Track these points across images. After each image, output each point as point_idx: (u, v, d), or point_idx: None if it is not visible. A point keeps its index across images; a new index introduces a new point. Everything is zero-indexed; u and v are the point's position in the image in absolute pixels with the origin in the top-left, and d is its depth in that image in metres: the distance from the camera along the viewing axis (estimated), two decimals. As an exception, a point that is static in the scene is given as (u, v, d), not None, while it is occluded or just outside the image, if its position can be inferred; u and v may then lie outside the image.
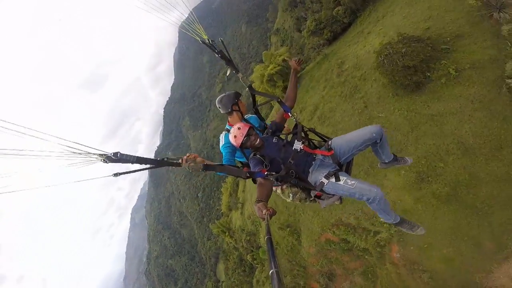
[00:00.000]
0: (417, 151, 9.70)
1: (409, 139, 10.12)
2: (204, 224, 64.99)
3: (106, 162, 1.65)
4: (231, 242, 26.96)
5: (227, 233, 27.13)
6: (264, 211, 1.66)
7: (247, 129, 2.49)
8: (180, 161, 2.04)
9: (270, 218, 1.58)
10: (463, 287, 8.04)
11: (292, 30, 36.43)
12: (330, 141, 2.56)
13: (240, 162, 2.88)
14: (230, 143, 2.63)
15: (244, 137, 2.47)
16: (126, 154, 1.69)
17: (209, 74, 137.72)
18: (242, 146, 2.52)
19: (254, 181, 2.36)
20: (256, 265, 21.69)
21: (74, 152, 1.49)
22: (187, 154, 2.07)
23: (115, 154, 1.65)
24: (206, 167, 2.13)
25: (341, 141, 2.50)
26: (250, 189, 24.85)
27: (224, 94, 2.83)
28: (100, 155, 1.59)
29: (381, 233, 10.42)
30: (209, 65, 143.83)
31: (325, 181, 2.31)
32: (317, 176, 2.39)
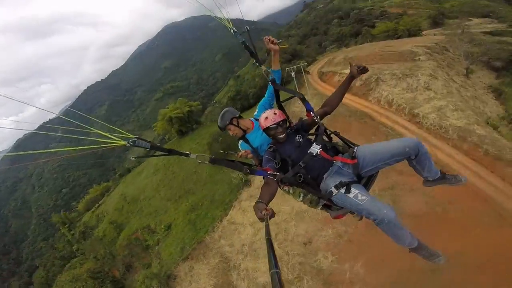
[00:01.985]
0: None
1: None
2: (48, 223, 58.32)
3: (130, 144, 1.88)
4: (66, 235, 28.66)
5: (66, 225, 29.00)
6: (263, 212, 1.67)
7: (282, 119, 2.48)
8: (188, 152, 2.18)
9: (270, 219, 1.61)
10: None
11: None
12: (355, 148, 2.35)
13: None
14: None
15: (274, 123, 2.44)
16: (143, 141, 1.95)
17: (157, 80, 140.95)
18: (267, 130, 2.50)
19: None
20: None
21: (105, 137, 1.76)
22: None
23: (133, 141, 1.89)
24: (213, 161, 2.21)
25: (366, 151, 2.30)
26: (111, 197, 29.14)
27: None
28: (128, 141, 1.88)
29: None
30: (163, 72, 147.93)
31: (334, 191, 2.17)
32: (329, 183, 2.25)
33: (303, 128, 2.62)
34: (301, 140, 2.50)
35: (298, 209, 10.75)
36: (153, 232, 18.34)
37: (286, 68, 23.60)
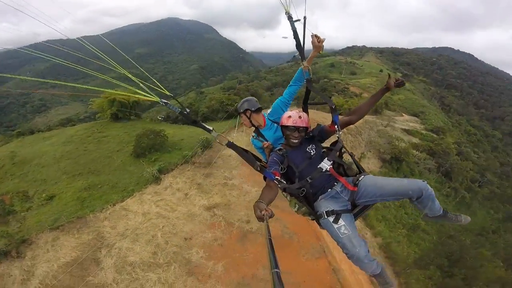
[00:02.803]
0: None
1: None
2: None
3: (163, 104, 2.22)
4: None
5: None
6: (262, 212, 1.74)
7: (304, 124, 2.53)
8: (211, 128, 2.42)
9: (269, 219, 1.67)
10: None
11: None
12: (361, 177, 2.41)
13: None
14: (259, 148, 2.98)
15: (294, 125, 2.50)
16: (174, 106, 2.30)
17: (121, 60, 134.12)
18: (284, 128, 2.59)
19: (265, 178, 2.39)
20: None
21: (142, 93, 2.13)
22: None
23: (165, 102, 2.23)
24: (230, 144, 2.46)
25: (371, 183, 2.34)
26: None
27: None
28: (161, 100, 2.21)
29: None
30: (133, 56, 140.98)
31: (324, 215, 2.30)
32: (322, 206, 2.36)
33: (320, 135, 2.61)
34: (312, 152, 2.52)
35: (192, 212, 12.02)
36: (28, 200, 16.46)
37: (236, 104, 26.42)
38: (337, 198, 2.42)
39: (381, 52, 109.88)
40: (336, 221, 2.27)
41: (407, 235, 16.66)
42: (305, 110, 2.80)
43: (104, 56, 2.18)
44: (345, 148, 2.63)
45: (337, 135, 2.56)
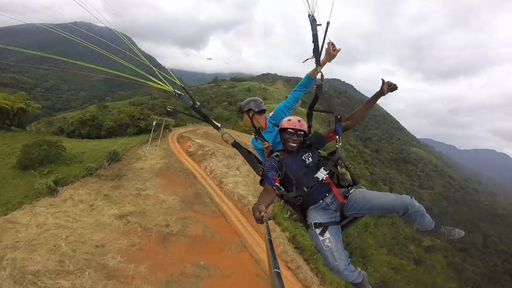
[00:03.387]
0: None
1: None
2: None
3: (175, 94, 2.37)
4: None
5: None
6: (261, 213, 1.76)
7: (302, 129, 2.57)
8: (219, 126, 2.54)
9: (268, 220, 1.71)
10: None
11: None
12: (352, 190, 2.44)
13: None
14: (259, 149, 2.99)
15: (293, 129, 2.55)
16: (186, 99, 2.39)
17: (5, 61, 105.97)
18: (282, 131, 2.62)
19: (261, 183, 2.49)
20: None
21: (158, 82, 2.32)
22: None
23: (179, 94, 2.37)
24: (236, 144, 2.52)
25: (360, 196, 2.37)
26: None
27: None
28: (175, 92, 2.37)
29: None
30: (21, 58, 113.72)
31: (312, 227, 2.36)
32: (311, 217, 2.42)
33: (316, 143, 2.65)
34: (308, 160, 2.54)
35: (100, 222, 12.02)
36: None
37: (152, 116, 26.64)
38: (326, 209, 2.46)
39: (288, 81, 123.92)
40: (322, 233, 2.33)
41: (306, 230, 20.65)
42: (310, 115, 2.84)
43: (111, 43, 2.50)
44: (341, 159, 2.62)
45: (337, 145, 2.59)
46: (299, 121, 2.60)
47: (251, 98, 3.04)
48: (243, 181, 18.89)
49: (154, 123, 24.53)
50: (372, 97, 2.72)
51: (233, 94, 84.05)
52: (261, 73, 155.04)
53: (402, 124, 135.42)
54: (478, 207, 73.58)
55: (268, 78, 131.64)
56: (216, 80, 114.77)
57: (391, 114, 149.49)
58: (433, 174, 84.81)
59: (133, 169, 18.61)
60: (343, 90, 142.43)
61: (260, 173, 2.47)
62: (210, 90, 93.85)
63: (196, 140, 27.85)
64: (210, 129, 41.01)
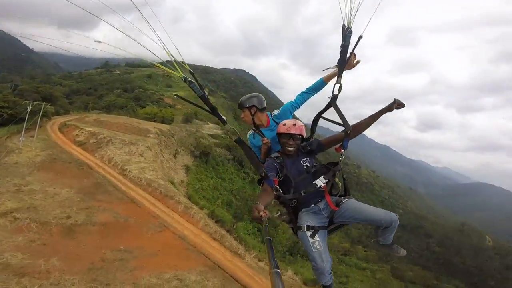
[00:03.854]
0: None
1: None
2: None
3: (185, 82, 2.32)
4: None
5: None
6: (260, 213, 1.81)
7: (298, 133, 2.63)
8: (225, 119, 2.55)
9: (267, 220, 1.75)
10: None
11: None
12: (344, 200, 2.59)
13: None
14: (255, 146, 2.96)
15: (289, 133, 2.61)
16: (197, 87, 2.31)
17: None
18: (279, 136, 2.69)
19: (259, 182, 2.59)
20: None
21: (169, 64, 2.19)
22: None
23: (190, 81, 2.30)
24: (239, 141, 2.57)
25: (352, 206, 2.54)
26: None
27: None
28: (185, 77, 2.24)
29: None
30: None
31: (303, 228, 2.50)
32: (303, 219, 2.55)
33: (316, 149, 2.75)
34: (306, 165, 2.66)
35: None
36: None
37: (25, 101, 21.98)
38: (318, 214, 2.59)
39: (195, 69, 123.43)
40: (313, 236, 2.46)
41: (222, 206, 22.02)
42: (317, 121, 2.95)
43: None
44: (341, 171, 2.75)
45: (340, 158, 2.73)
46: (294, 124, 2.64)
47: (253, 94, 3.00)
48: (150, 166, 18.50)
49: (29, 108, 20.45)
50: (378, 111, 2.78)
51: (128, 80, 76.00)
52: (166, 60, 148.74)
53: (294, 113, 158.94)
54: (350, 178, 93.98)
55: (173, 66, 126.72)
56: (108, 65, 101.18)
57: (284, 103, 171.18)
58: (331, 151, 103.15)
59: (3, 164, 15.36)
60: (248, 80, 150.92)
61: (262, 174, 2.51)
62: (99, 76, 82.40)
63: (86, 128, 24.67)
64: (101, 116, 36.76)
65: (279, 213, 2.78)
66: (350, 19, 2.54)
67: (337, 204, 2.58)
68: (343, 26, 2.58)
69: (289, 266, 16.13)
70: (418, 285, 30.83)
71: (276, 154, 2.70)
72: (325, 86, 2.89)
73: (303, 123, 2.76)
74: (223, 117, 2.60)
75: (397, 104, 2.72)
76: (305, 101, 2.99)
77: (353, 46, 2.61)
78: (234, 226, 17.21)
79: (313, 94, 2.96)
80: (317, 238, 2.49)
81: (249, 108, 2.89)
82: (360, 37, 2.57)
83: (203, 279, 9.91)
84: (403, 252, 2.95)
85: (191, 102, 2.78)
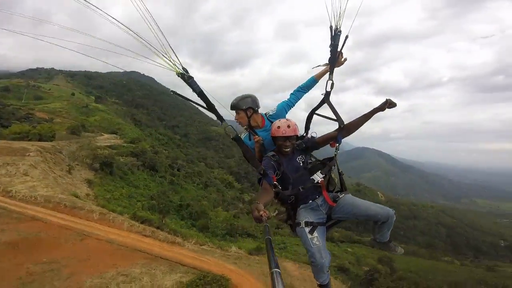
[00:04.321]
0: None
1: None
2: None
3: (179, 76, 2.37)
4: None
5: None
6: (261, 212, 1.80)
7: (292, 134, 2.67)
8: (223, 118, 2.63)
9: (267, 220, 1.75)
10: None
11: None
12: (342, 195, 2.69)
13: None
14: (250, 147, 2.89)
15: (284, 136, 2.65)
16: (196, 83, 2.36)
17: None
18: (274, 139, 2.74)
19: (259, 182, 2.58)
20: None
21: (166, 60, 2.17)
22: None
23: (189, 77, 2.36)
24: (237, 138, 2.72)
25: (349, 202, 2.64)
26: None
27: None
28: (182, 71, 2.30)
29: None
30: None
31: (302, 225, 2.55)
32: (301, 216, 2.61)
33: (311, 146, 2.82)
34: (302, 163, 2.73)
35: None
36: None
37: None
38: (316, 210, 2.65)
39: (72, 76, 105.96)
40: (312, 232, 2.50)
41: (143, 210, 20.82)
42: (311, 118, 3.05)
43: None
44: (337, 165, 2.81)
45: (335, 152, 2.79)
46: (288, 126, 2.67)
47: (246, 94, 2.95)
48: (41, 184, 15.84)
49: None
50: (370, 111, 2.83)
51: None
52: (28, 68, 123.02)
53: (200, 109, 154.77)
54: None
55: (41, 74, 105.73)
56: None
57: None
58: (231, 145, 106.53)
59: None
60: (144, 82, 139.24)
61: (261, 172, 2.55)
62: None
63: None
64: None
65: (276, 212, 2.88)
66: (337, 20, 2.71)
67: (335, 200, 2.65)
68: (331, 27, 2.77)
69: (232, 244, 17.29)
70: (346, 243, 37.27)
71: (272, 153, 2.76)
72: (316, 84, 3.03)
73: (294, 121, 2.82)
74: (221, 116, 2.65)
75: (388, 104, 2.76)
76: (299, 99, 3.07)
77: (341, 45, 2.80)
78: (163, 221, 17.04)
79: (306, 92, 3.06)
80: (315, 234, 2.52)
81: (246, 110, 2.86)
82: (347, 36, 2.78)
83: (148, 269, 9.97)
84: (400, 250, 3.00)
85: (188, 99, 2.66)
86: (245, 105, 2.86)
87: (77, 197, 16.56)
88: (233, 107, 2.91)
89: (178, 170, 47.63)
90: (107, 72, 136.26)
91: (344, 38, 2.78)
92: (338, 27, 2.78)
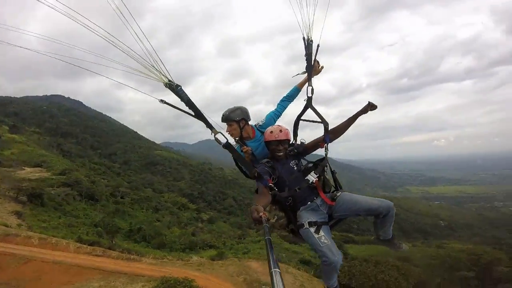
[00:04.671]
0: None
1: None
2: None
3: (167, 86, 2.42)
4: None
5: None
6: (260, 214, 1.82)
7: (285, 138, 2.80)
8: (213, 126, 2.67)
9: (267, 221, 1.76)
10: None
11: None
12: (339, 193, 2.73)
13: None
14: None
15: (277, 140, 2.76)
16: (184, 92, 2.41)
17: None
18: (268, 144, 2.84)
19: (257, 191, 2.60)
20: None
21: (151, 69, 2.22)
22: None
23: (177, 85, 2.42)
24: (227, 146, 2.75)
25: (348, 198, 2.68)
26: None
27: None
28: (169, 81, 2.36)
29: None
30: None
31: (306, 225, 2.54)
32: (303, 217, 2.61)
33: (303, 152, 2.91)
34: (295, 167, 2.80)
35: None
36: None
37: None
38: (316, 211, 2.67)
39: None
40: (317, 231, 2.48)
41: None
42: (297, 124, 3.14)
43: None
44: (329, 165, 2.86)
45: (325, 152, 2.87)
46: (280, 131, 2.80)
47: (237, 106, 3.02)
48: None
49: None
50: (354, 114, 2.95)
51: None
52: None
53: (141, 134, 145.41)
54: (217, 180, 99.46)
55: None
56: None
57: (128, 126, 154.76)
58: (179, 168, 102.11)
59: None
60: (70, 107, 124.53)
61: (255, 174, 2.65)
62: None
63: None
64: None
65: (276, 217, 2.91)
66: (308, 30, 2.93)
67: (333, 199, 2.71)
68: (303, 37, 2.99)
69: (193, 254, 16.74)
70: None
71: (265, 160, 2.85)
72: (299, 92, 3.21)
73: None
74: (211, 123, 2.72)
75: (371, 106, 2.87)
76: (285, 108, 3.23)
77: (314, 53, 3.01)
78: (113, 242, 15.77)
79: (291, 101, 3.23)
80: (322, 233, 2.50)
81: (239, 121, 2.93)
82: (318, 46, 3.00)
83: (107, 282, 9.47)
84: (405, 247, 3.02)
85: (177, 108, 2.64)
86: (238, 117, 2.92)
87: (8, 226, 14.30)
88: (225, 119, 2.95)
89: (121, 197, 43.92)
90: (23, 97, 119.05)
91: (316, 46, 3.01)
92: (310, 37, 2.97)
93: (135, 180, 69.88)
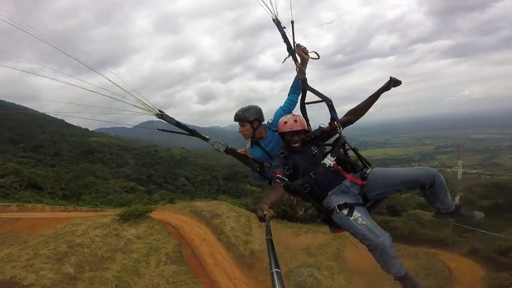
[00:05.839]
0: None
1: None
2: None
3: (158, 117, 2.51)
4: None
5: None
6: (264, 212, 1.88)
7: (301, 128, 2.68)
8: (208, 137, 2.69)
9: (270, 219, 1.82)
10: None
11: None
12: (369, 170, 2.59)
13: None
14: (259, 156, 3.05)
15: (292, 131, 2.66)
16: (170, 117, 2.53)
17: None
18: (282, 135, 2.75)
19: (270, 182, 2.66)
20: None
21: (139, 106, 2.37)
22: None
23: (162, 113, 2.50)
24: (229, 151, 2.74)
25: (379, 174, 2.52)
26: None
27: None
28: (159, 112, 2.48)
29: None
30: None
31: (336, 209, 2.37)
32: (332, 201, 2.46)
33: (321, 137, 2.74)
34: (315, 151, 2.64)
35: None
36: None
37: None
38: (347, 192, 2.50)
39: None
40: (350, 213, 2.29)
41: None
42: (304, 109, 2.98)
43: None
44: (347, 143, 2.72)
45: (338, 131, 2.63)
46: (295, 121, 2.66)
47: (250, 105, 3.01)
48: None
49: None
50: (377, 91, 2.72)
51: None
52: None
53: (69, 122, 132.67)
54: (166, 162, 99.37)
55: None
56: None
57: (51, 114, 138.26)
58: (122, 153, 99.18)
59: None
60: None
61: (257, 170, 2.67)
62: None
63: None
64: None
65: (303, 209, 3.46)
66: (274, 11, 2.85)
67: (363, 177, 2.53)
68: (273, 19, 2.89)
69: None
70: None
71: (280, 151, 2.78)
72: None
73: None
74: (205, 136, 2.71)
75: (394, 82, 2.66)
76: (295, 103, 3.07)
77: (291, 32, 2.87)
78: (78, 203, 18.77)
79: (298, 93, 3.04)
80: (357, 214, 2.29)
81: (252, 122, 2.90)
82: (292, 22, 2.87)
83: (86, 220, 13.01)
84: (480, 214, 2.69)
85: (173, 132, 2.74)
86: (252, 117, 2.90)
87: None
88: (238, 118, 2.95)
89: (65, 184, 43.93)
90: None
91: (291, 24, 2.89)
92: (278, 17, 2.87)
93: (74, 169, 67.31)
